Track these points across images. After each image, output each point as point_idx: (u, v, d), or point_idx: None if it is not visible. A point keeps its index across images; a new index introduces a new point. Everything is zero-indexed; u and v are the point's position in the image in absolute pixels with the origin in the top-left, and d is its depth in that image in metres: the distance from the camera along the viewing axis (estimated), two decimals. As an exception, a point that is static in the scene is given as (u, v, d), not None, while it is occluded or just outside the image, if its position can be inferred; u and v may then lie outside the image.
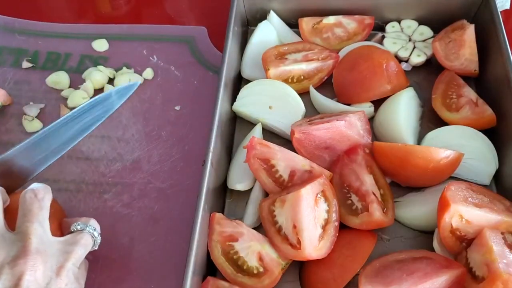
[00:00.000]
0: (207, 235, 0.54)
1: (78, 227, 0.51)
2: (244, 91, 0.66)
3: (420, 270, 0.49)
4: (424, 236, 0.57)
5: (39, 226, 0.47)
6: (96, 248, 0.52)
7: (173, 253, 0.58)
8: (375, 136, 0.64)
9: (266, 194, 0.58)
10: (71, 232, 0.51)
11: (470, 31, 0.67)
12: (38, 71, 0.75)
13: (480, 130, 0.61)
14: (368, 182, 0.56)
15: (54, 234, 0.49)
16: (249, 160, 0.56)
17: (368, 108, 0.65)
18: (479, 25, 0.68)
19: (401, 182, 0.60)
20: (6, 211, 0.50)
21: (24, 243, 0.45)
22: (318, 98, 0.66)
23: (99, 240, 0.52)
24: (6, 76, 0.75)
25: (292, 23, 0.74)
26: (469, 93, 0.64)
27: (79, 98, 0.70)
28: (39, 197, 0.49)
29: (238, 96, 0.66)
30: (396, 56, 0.70)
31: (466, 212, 0.50)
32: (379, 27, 0.74)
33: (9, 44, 0.78)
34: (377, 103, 0.65)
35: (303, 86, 0.68)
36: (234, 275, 0.53)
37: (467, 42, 0.66)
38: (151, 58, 0.76)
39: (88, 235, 0.50)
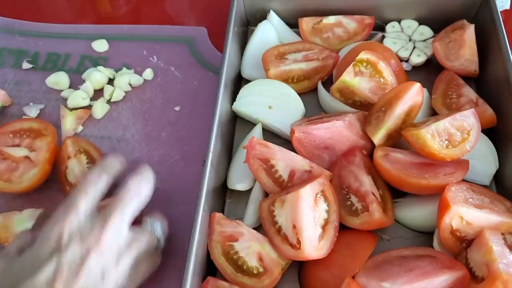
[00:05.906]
0: (207, 235, 0.54)
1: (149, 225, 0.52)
2: (244, 91, 0.66)
3: (419, 268, 0.49)
4: (424, 236, 0.57)
5: (120, 214, 0.48)
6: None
7: (173, 253, 0.58)
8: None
9: (266, 194, 0.58)
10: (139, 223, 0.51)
11: (470, 31, 0.67)
12: (38, 72, 0.75)
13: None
14: (367, 182, 0.55)
15: None
16: (248, 160, 0.56)
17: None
18: (479, 25, 0.68)
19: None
20: None
21: (102, 230, 0.46)
22: (326, 97, 0.66)
23: (162, 243, 0.53)
24: (6, 77, 0.75)
25: (292, 23, 0.74)
26: (469, 93, 0.64)
27: (79, 98, 0.70)
28: (139, 190, 0.50)
29: (238, 96, 0.66)
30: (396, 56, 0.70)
31: (466, 214, 0.50)
32: (379, 27, 0.74)
33: (10, 45, 0.78)
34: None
35: (303, 86, 0.68)
36: (234, 275, 0.52)
37: (467, 42, 0.66)
38: (151, 58, 0.76)
39: (154, 237, 0.52)
